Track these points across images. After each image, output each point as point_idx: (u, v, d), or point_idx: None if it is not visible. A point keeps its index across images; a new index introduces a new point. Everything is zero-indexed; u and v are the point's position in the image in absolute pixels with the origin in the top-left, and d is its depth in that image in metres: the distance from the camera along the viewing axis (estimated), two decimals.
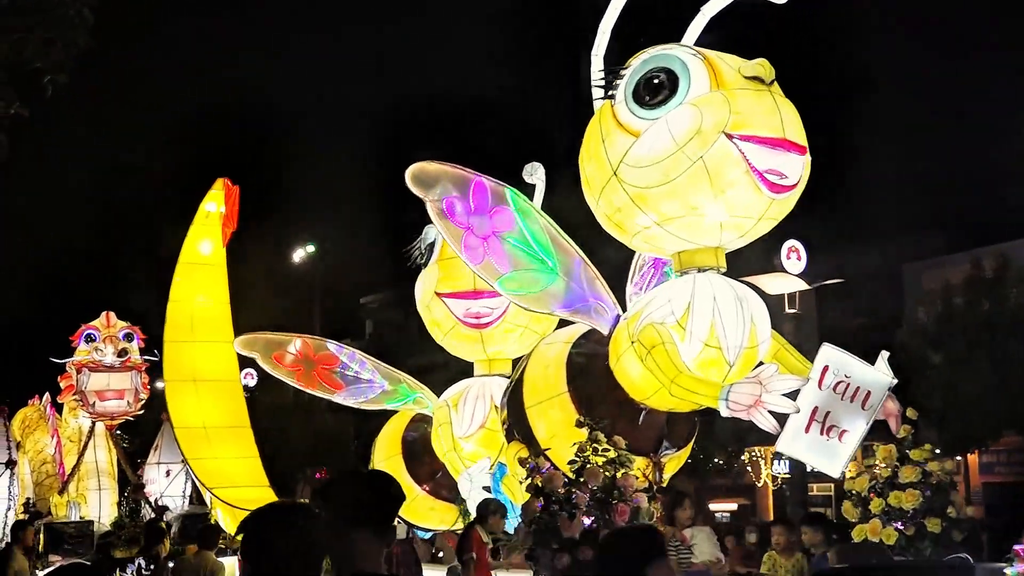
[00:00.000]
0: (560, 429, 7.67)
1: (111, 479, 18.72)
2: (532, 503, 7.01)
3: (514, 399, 8.19)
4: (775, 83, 7.10)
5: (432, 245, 10.08)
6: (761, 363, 7.47)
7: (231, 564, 11.10)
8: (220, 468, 13.02)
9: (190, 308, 13.85)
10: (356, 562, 3.35)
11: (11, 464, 16.85)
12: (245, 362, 14.10)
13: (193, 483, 18.61)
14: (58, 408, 18.72)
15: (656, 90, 7.07)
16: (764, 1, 7.24)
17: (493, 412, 9.89)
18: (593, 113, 7.60)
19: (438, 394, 10.82)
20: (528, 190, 9.27)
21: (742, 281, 7.68)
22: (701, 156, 6.86)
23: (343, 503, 3.52)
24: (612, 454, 7.04)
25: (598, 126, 7.45)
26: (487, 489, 9.22)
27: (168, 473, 19.57)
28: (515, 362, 10.22)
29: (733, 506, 31.07)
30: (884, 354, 6.99)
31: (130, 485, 18.96)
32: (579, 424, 7.25)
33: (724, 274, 7.44)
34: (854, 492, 8.35)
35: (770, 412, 6.39)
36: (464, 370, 10.93)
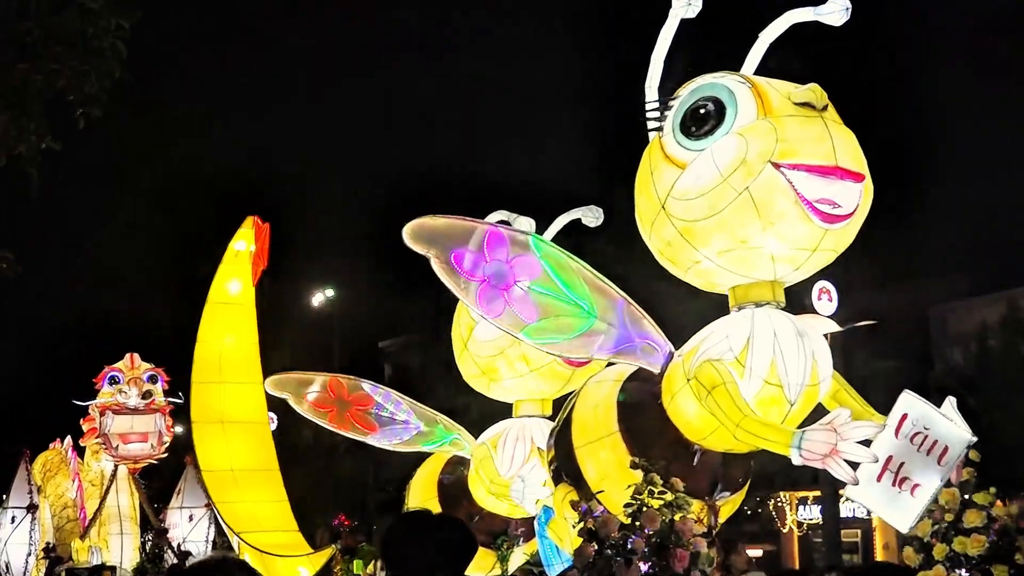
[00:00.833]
0: (611, 470, 7.36)
1: (133, 524, 18.47)
2: (586, 548, 6.71)
3: (562, 439, 7.88)
4: (829, 108, 6.84)
5: None
6: (820, 403, 7.21)
7: None
8: (248, 512, 12.76)
9: (218, 348, 13.67)
10: None
11: (32, 508, 16.65)
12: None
13: (217, 528, 18.37)
14: (80, 451, 18.49)
15: (703, 120, 6.82)
16: (821, 24, 6.99)
17: (534, 453, 9.62)
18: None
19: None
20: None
21: None
22: (747, 187, 6.59)
23: (413, 556, 3.26)
24: (669, 497, 6.75)
25: (648, 159, 7.22)
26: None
27: (191, 518, 19.28)
28: (555, 403, 9.97)
29: (759, 552, 30.63)
30: (951, 400, 6.66)
31: (152, 529, 18.75)
32: (634, 466, 6.95)
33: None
34: (916, 537, 8.03)
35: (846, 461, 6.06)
36: (486, 413, 10.66)
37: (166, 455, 18.60)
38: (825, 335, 7.36)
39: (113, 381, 17.86)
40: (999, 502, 7.92)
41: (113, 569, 17.13)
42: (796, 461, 6.24)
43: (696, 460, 7.33)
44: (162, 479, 20.35)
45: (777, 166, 6.53)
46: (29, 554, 16.25)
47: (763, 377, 6.80)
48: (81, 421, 17.89)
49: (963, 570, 7.80)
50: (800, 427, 6.55)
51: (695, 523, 6.71)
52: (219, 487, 12.91)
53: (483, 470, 9.84)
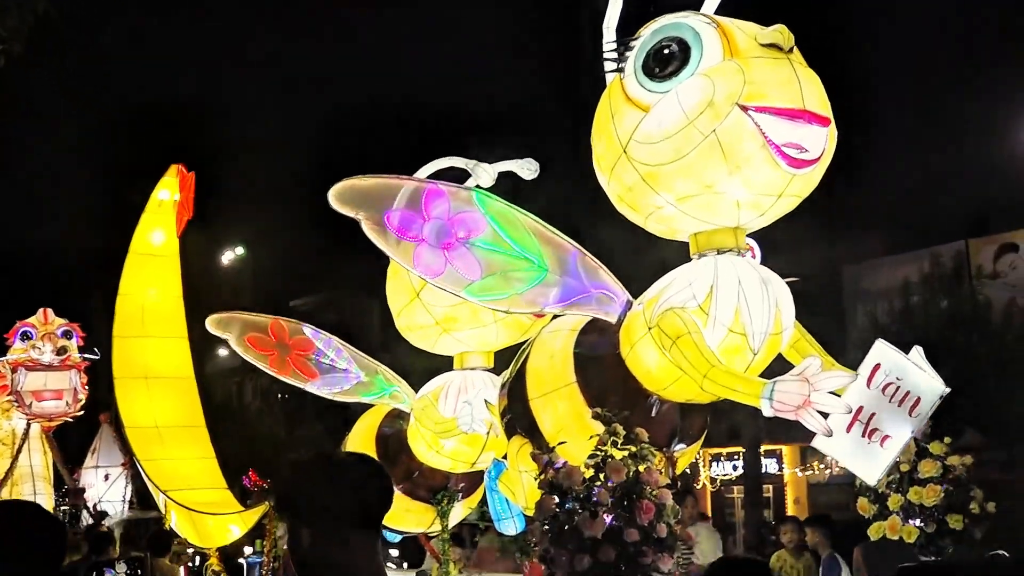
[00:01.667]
0: (568, 422, 7.16)
1: (47, 484, 18.01)
2: (548, 501, 6.52)
3: (515, 391, 7.65)
4: (795, 51, 6.66)
5: None
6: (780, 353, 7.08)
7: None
8: (175, 469, 12.36)
9: (141, 301, 13.19)
10: None
11: None
12: None
13: (134, 487, 17.97)
14: None
15: (666, 61, 6.57)
16: None
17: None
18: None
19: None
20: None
21: None
22: (714, 130, 6.37)
23: (325, 499, 2.91)
24: (633, 448, 6.57)
25: (607, 102, 6.96)
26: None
27: (107, 477, 18.90)
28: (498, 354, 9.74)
29: None
30: (918, 349, 6.57)
31: (66, 489, 18.33)
32: (596, 416, 6.77)
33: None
34: (870, 488, 8.01)
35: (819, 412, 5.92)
36: (406, 370, 10.38)
37: (81, 413, 18.14)
38: None
39: (25, 337, 17.37)
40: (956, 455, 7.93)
41: None
42: (767, 412, 6.07)
43: (655, 411, 7.18)
44: (78, 438, 19.91)
45: (744, 108, 6.31)
46: None
47: (727, 325, 6.63)
48: None
49: (917, 520, 7.80)
50: (760, 377, 6.43)
51: (660, 475, 6.54)
52: (144, 444, 12.47)
53: (425, 418, 9.56)
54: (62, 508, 17.85)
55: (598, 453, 6.50)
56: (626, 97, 6.76)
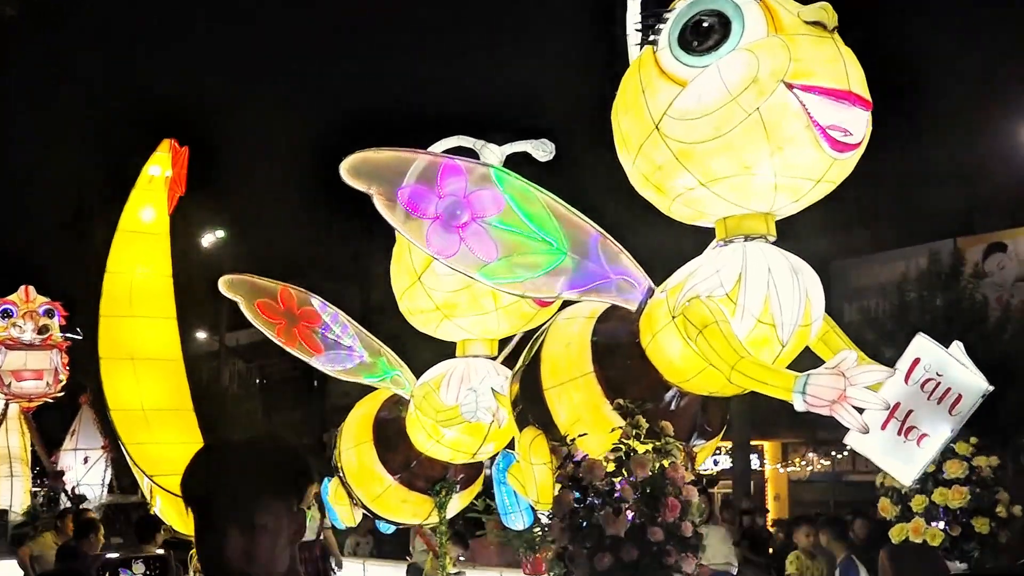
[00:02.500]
0: (584, 413, 6.85)
1: (24, 465, 17.68)
2: (567, 496, 6.21)
3: (528, 380, 7.32)
4: (836, 31, 6.35)
5: None
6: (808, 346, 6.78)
7: None
8: (162, 454, 12.00)
9: (129, 280, 12.82)
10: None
11: None
12: None
13: (113, 471, 17.63)
14: None
15: (706, 34, 6.21)
16: None
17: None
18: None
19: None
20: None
21: None
22: (758, 107, 6.04)
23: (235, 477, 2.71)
24: (659, 443, 6.28)
25: (637, 75, 6.58)
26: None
27: (86, 460, 18.54)
28: (503, 342, 9.42)
29: None
30: (959, 344, 6.27)
31: (42, 470, 18.01)
32: (618, 408, 6.47)
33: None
34: (893, 488, 7.74)
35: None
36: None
37: (62, 394, 17.79)
38: None
39: (6, 315, 17.02)
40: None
41: (3, 512, 16.32)
42: (799, 407, 5.76)
43: (675, 404, 6.87)
44: (58, 419, 19.56)
45: (790, 86, 5.99)
46: None
47: (756, 315, 6.32)
48: None
49: (941, 522, 7.54)
50: (788, 369, 6.14)
51: (686, 470, 6.24)
52: (129, 427, 12.11)
53: (426, 407, 9.23)
54: (39, 490, 17.52)
55: (621, 446, 6.20)
56: (660, 71, 6.39)
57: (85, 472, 18.47)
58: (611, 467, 6.19)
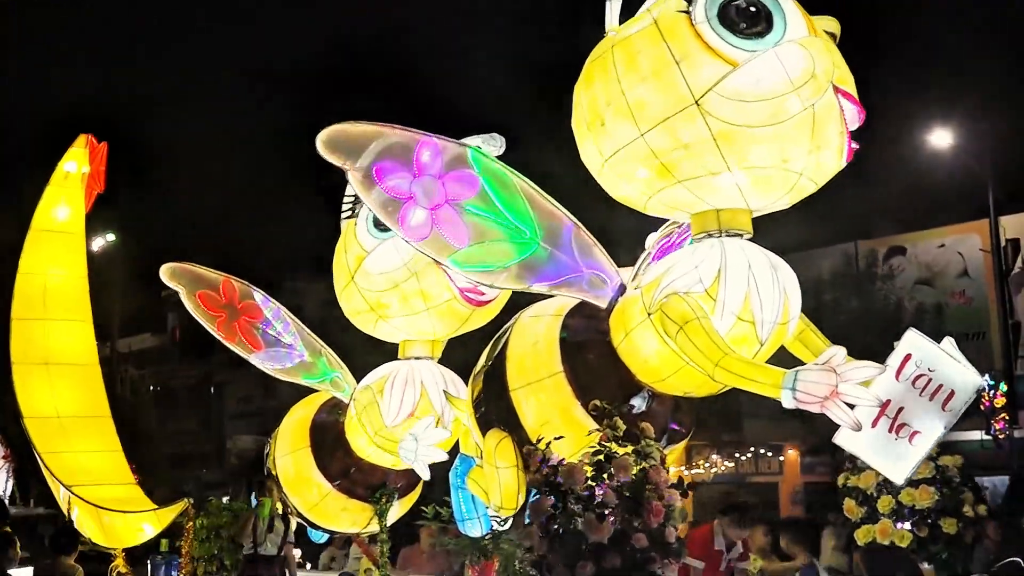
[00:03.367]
0: (553, 415, 6.58)
1: None
2: (543, 502, 5.93)
3: (492, 381, 7.02)
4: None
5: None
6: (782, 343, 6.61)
7: None
8: (79, 463, 11.41)
9: (42, 281, 12.17)
10: None
11: None
12: None
13: (15, 483, 16.85)
14: None
15: (754, 19, 5.94)
16: None
17: (423, 399, 8.76)
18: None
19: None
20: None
21: None
22: (814, 103, 5.88)
23: None
24: (635, 445, 6.04)
25: (662, 45, 6.05)
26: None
27: None
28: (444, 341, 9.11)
29: None
30: (950, 340, 6.13)
31: None
32: (595, 409, 6.23)
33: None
34: (857, 488, 7.62)
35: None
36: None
37: None
38: None
39: None
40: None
41: None
42: (788, 404, 5.55)
43: (648, 405, 6.64)
44: None
45: (836, 90, 5.94)
46: None
47: (736, 312, 6.12)
48: None
49: (907, 523, 7.44)
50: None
51: (668, 473, 6.02)
52: (44, 435, 11.49)
53: (367, 419, 8.88)
54: None
55: (601, 449, 5.95)
56: (705, 45, 6.00)
57: None
58: (590, 471, 5.93)
